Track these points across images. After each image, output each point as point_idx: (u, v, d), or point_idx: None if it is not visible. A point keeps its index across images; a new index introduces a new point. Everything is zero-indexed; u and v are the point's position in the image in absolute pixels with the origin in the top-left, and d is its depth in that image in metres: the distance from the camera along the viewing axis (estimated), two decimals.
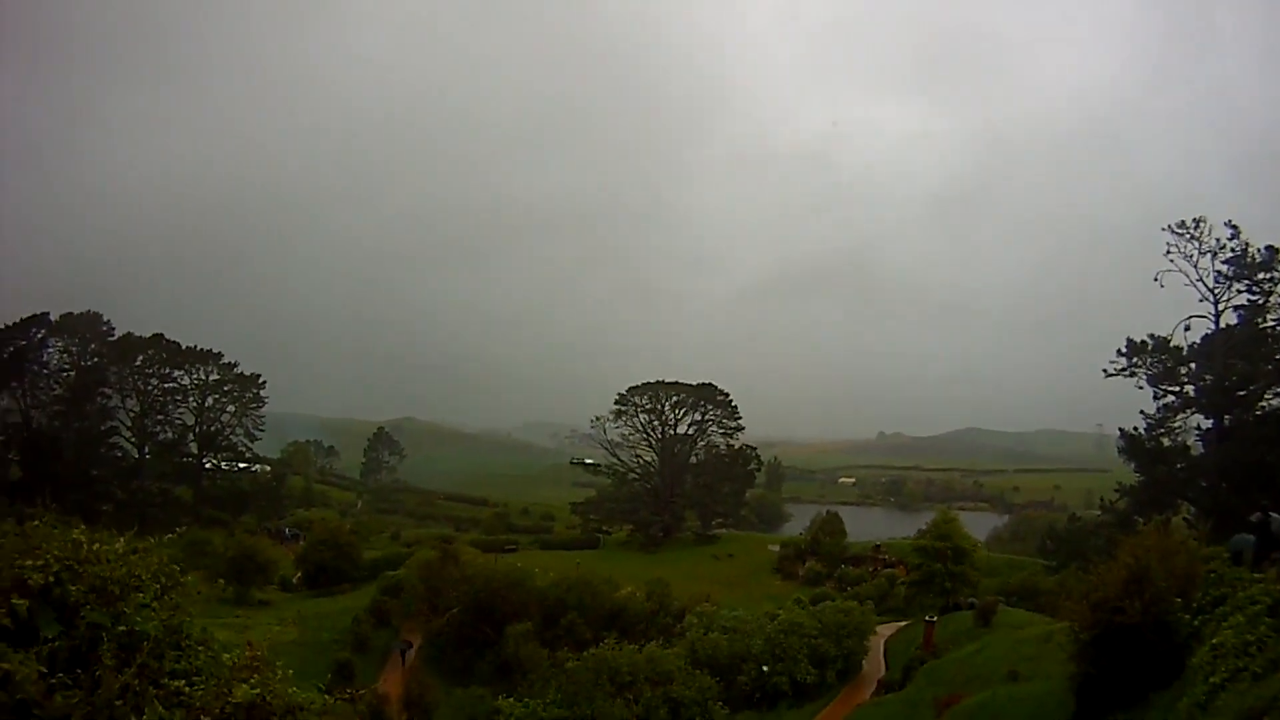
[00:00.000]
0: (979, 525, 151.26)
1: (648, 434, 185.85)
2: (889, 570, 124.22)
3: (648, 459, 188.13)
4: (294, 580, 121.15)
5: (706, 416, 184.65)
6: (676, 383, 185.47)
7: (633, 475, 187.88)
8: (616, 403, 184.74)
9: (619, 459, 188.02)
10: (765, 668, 77.43)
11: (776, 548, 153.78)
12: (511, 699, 73.36)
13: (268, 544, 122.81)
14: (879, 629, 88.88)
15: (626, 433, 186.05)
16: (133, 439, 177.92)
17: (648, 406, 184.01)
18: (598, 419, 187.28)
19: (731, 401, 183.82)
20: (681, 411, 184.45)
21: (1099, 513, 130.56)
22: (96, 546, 8.52)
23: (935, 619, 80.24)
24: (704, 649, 79.07)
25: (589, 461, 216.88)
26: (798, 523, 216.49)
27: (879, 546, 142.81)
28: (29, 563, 7.86)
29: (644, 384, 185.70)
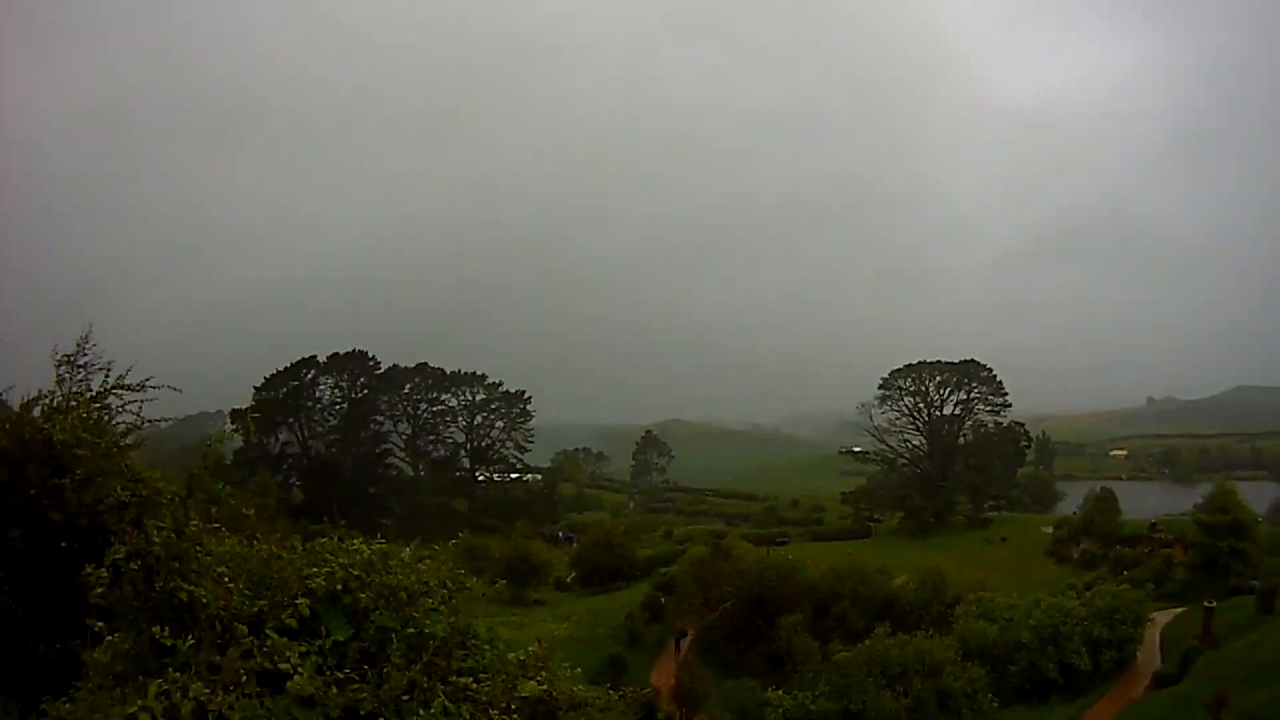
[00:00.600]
0: (1256, 496, 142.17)
1: (914, 417, 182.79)
2: (1165, 550, 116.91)
3: (915, 443, 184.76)
4: (568, 580, 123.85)
5: (972, 395, 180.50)
6: (939, 362, 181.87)
7: (901, 461, 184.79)
8: (880, 387, 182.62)
9: (887, 445, 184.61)
10: (1039, 661, 76.16)
11: (1050, 529, 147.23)
12: (780, 691, 73.79)
13: (542, 547, 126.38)
14: (1155, 616, 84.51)
15: (893, 417, 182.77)
16: (407, 459, 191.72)
17: (912, 389, 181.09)
18: (863, 405, 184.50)
19: (996, 377, 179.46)
20: (946, 391, 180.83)
21: None
22: (383, 556, 9.83)
23: (1213, 605, 76.95)
24: (975, 638, 77.70)
25: (857, 450, 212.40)
26: (1070, 501, 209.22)
27: (1155, 524, 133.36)
28: (314, 570, 9.23)
29: (906, 366, 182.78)
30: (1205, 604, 76.97)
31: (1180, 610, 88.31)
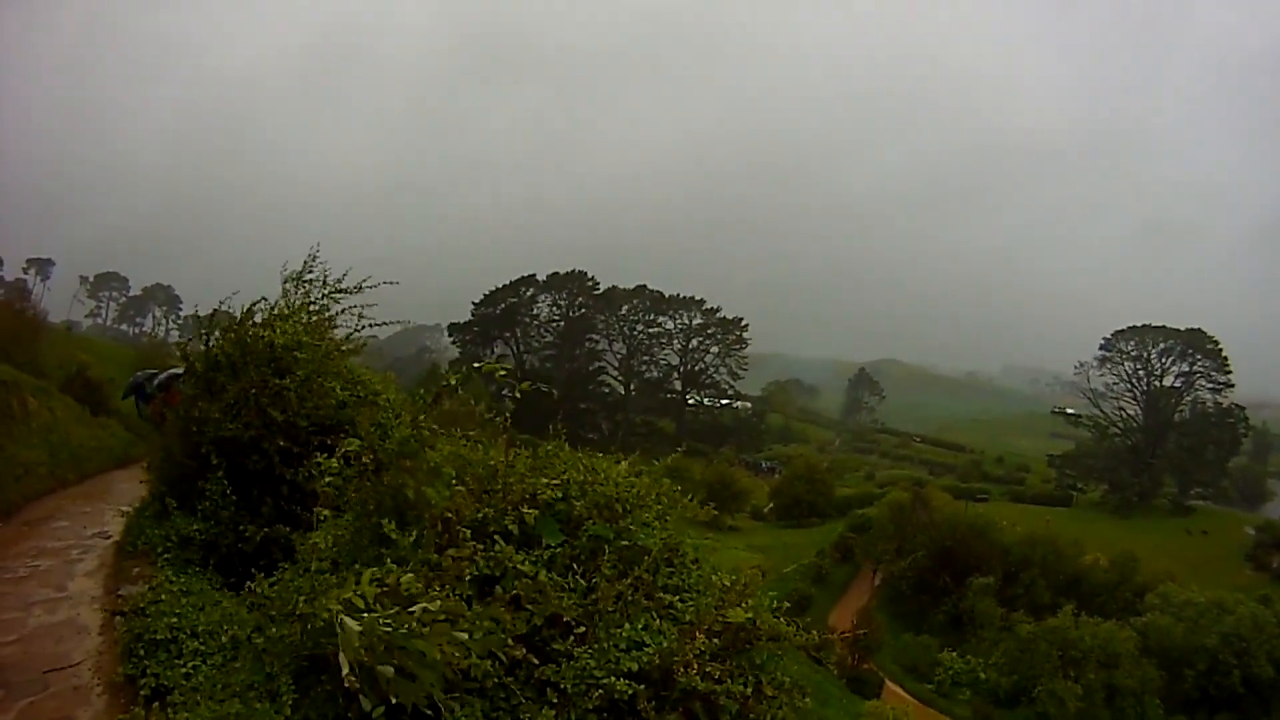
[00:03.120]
0: None
1: (1132, 384, 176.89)
2: None
3: (1130, 412, 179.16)
4: (765, 511, 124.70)
5: (1195, 368, 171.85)
6: (1164, 327, 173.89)
7: (1113, 430, 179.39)
8: (1101, 348, 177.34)
9: (1101, 410, 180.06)
10: (1219, 670, 74.04)
11: (1253, 530, 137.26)
12: (955, 653, 73.65)
13: (743, 474, 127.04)
14: None
15: (1110, 381, 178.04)
16: (620, 378, 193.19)
17: (1133, 353, 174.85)
18: (1081, 365, 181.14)
19: (1222, 351, 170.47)
20: (1169, 360, 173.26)
21: None
22: (604, 468, 10.22)
23: None
24: (1157, 634, 76.12)
25: (1069, 411, 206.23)
26: None
27: None
28: (543, 480, 9.70)
29: (1130, 328, 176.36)
30: None
31: None
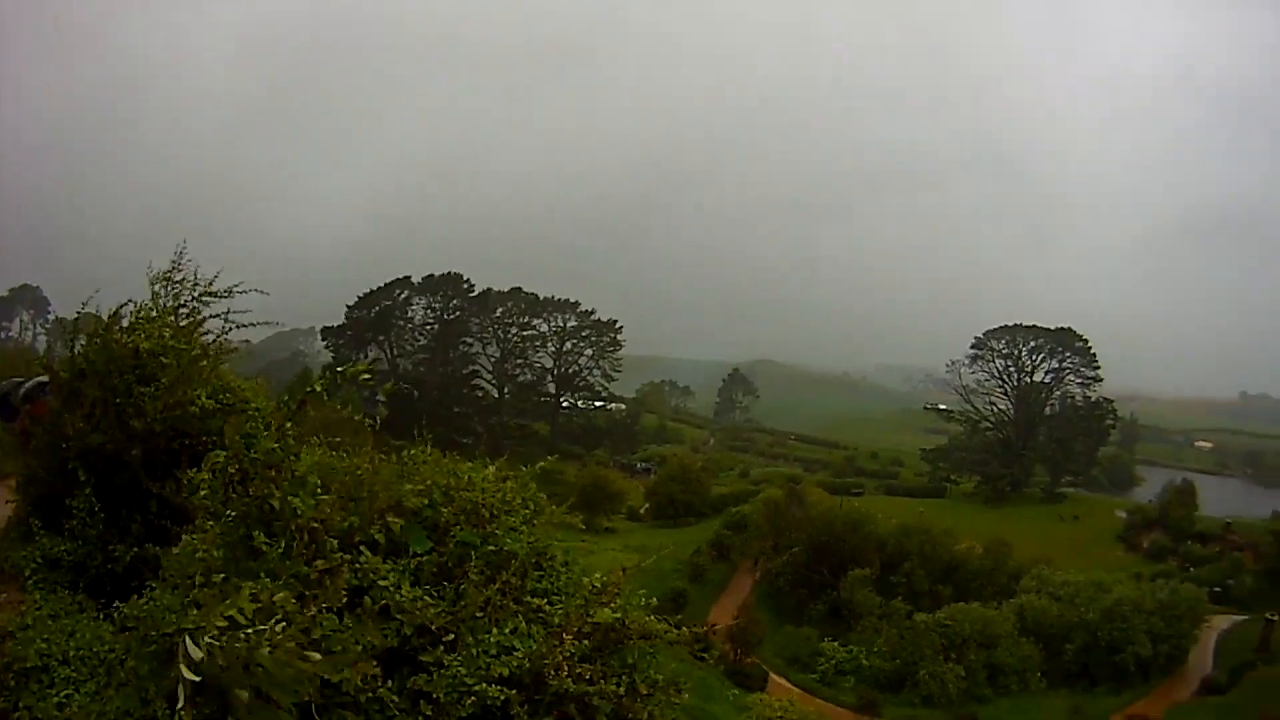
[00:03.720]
0: None
1: (1003, 380, 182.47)
2: (1236, 554, 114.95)
3: (1001, 407, 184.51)
4: (641, 511, 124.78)
5: (1064, 364, 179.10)
6: (1034, 326, 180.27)
7: (985, 424, 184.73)
8: (973, 346, 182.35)
9: (972, 405, 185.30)
10: (1097, 646, 76.26)
11: (1123, 514, 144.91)
12: (836, 643, 74.61)
13: (618, 476, 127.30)
14: (1213, 620, 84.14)
15: (982, 378, 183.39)
16: (493, 381, 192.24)
17: (1004, 351, 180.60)
18: (953, 363, 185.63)
19: (1090, 349, 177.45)
20: (1039, 358, 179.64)
21: None
22: (471, 473, 10.10)
23: (1275, 618, 76.35)
24: (1033, 614, 78.22)
25: (942, 407, 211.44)
26: (1148, 488, 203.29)
27: (1229, 525, 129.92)
28: (408, 486, 9.54)
29: (1002, 327, 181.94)
30: (1268, 616, 76.56)
31: (1241, 618, 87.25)
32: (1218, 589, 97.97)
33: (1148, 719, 53.56)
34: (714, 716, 50.68)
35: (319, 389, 9.68)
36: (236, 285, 14.21)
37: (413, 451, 10.25)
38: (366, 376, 10.56)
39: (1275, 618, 75.33)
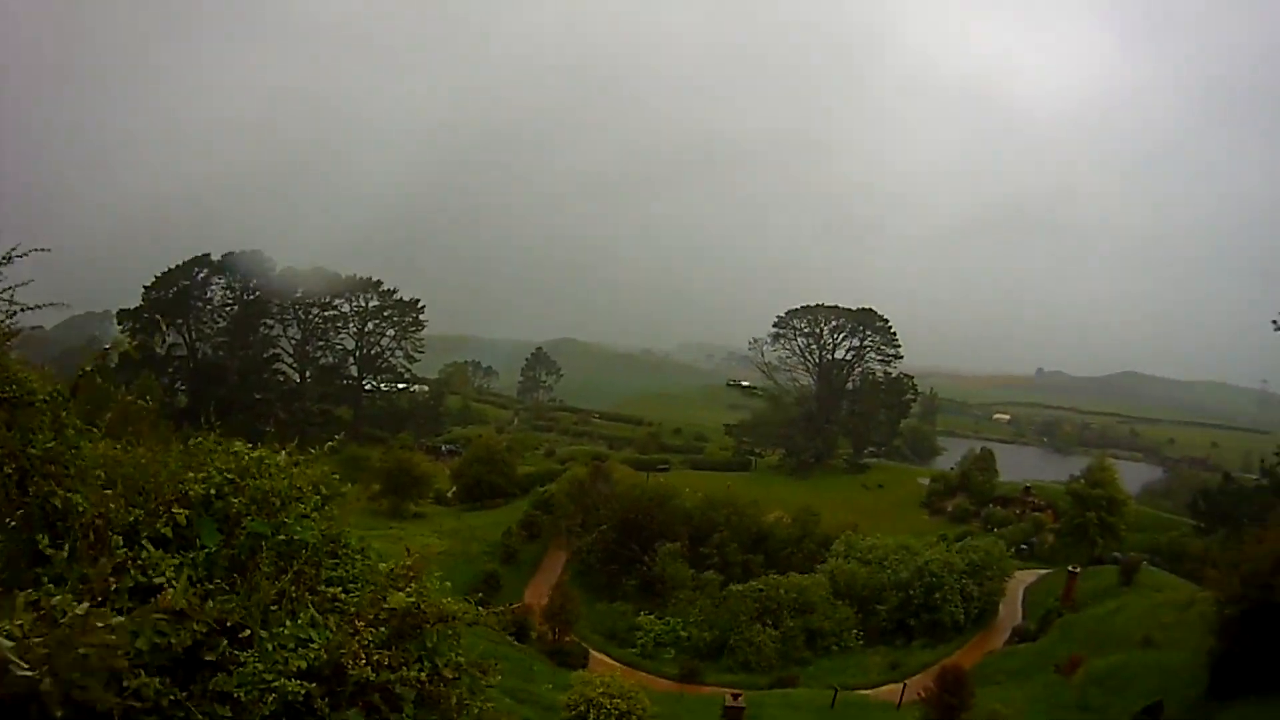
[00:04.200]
0: (1131, 476, 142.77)
1: (805, 358, 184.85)
2: (1036, 514, 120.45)
3: (804, 383, 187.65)
4: (449, 495, 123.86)
5: (865, 342, 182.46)
6: (836, 306, 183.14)
7: (788, 399, 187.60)
8: (775, 325, 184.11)
9: (775, 382, 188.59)
10: (909, 606, 78.26)
11: (926, 481, 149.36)
12: (653, 615, 74.91)
13: (423, 459, 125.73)
14: (1019, 575, 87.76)
15: (784, 355, 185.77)
16: (295, 364, 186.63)
17: (806, 330, 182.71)
18: (755, 340, 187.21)
19: (891, 328, 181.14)
20: (840, 336, 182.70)
21: (1257, 476, 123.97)
22: (260, 459, 9.63)
23: (1078, 570, 79.40)
24: (844, 578, 79.72)
25: (745, 384, 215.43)
26: (949, 457, 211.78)
27: (1029, 489, 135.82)
28: (191, 475, 9.05)
29: (803, 307, 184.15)
30: (1070, 568, 79.36)
31: (1045, 572, 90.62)
32: (1023, 546, 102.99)
33: (960, 668, 54.74)
34: (536, 696, 50.56)
35: (89, 369, 9.15)
36: (13, 249, 13.39)
37: (198, 439, 9.76)
38: (126, 347, 9.97)
39: (1077, 570, 78.32)
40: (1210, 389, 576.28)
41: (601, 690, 42.19)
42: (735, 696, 47.91)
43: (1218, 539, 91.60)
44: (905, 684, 61.58)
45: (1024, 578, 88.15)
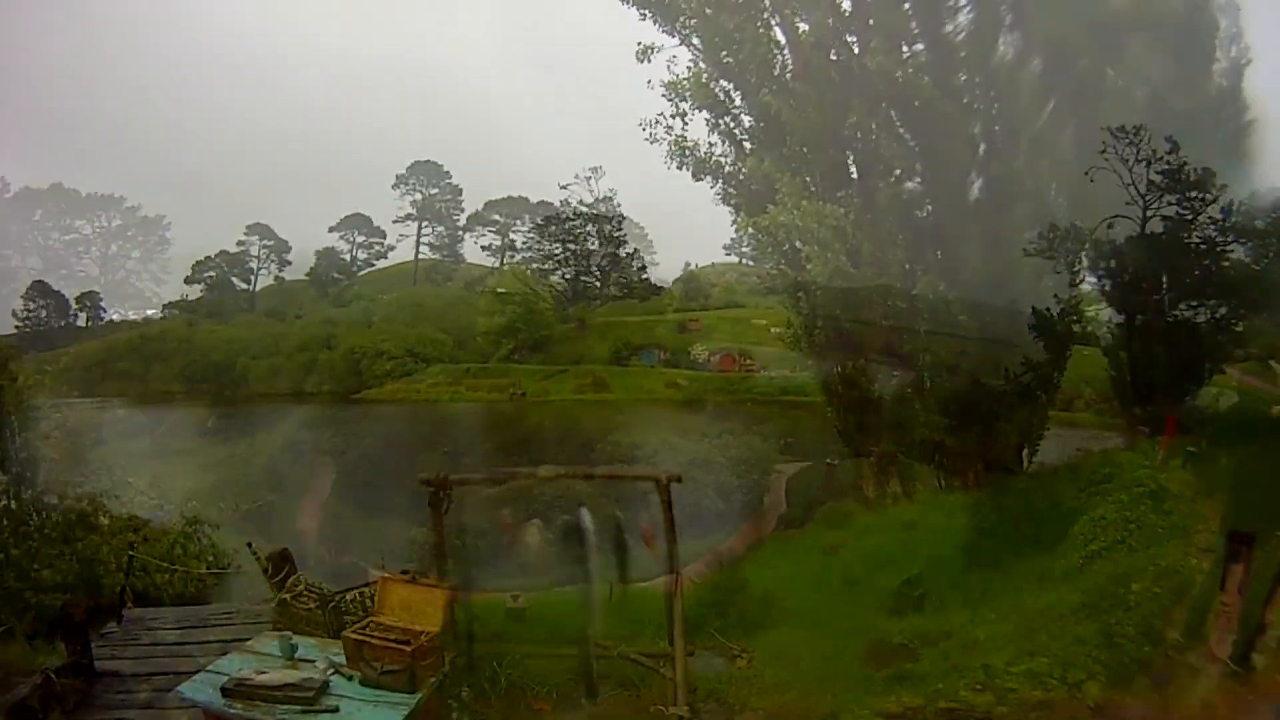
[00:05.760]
0: (886, 380, 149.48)
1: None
2: (795, 411, 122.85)
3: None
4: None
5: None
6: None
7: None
8: None
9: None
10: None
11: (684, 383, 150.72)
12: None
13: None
14: (781, 468, 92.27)
15: None
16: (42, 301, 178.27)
17: None
18: None
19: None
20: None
21: (1003, 383, 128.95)
22: None
23: (836, 463, 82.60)
24: None
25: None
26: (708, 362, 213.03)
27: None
28: None
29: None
30: (829, 461, 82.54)
31: (805, 464, 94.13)
32: (784, 442, 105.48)
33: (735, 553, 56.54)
34: None
35: None
36: None
37: None
38: None
39: (835, 462, 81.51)
40: (961, 307, 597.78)
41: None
42: (515, 599, 48.20)
43: (969, 435, 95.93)
44: (678, 572, 62.56)
45: (787, 470, 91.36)
